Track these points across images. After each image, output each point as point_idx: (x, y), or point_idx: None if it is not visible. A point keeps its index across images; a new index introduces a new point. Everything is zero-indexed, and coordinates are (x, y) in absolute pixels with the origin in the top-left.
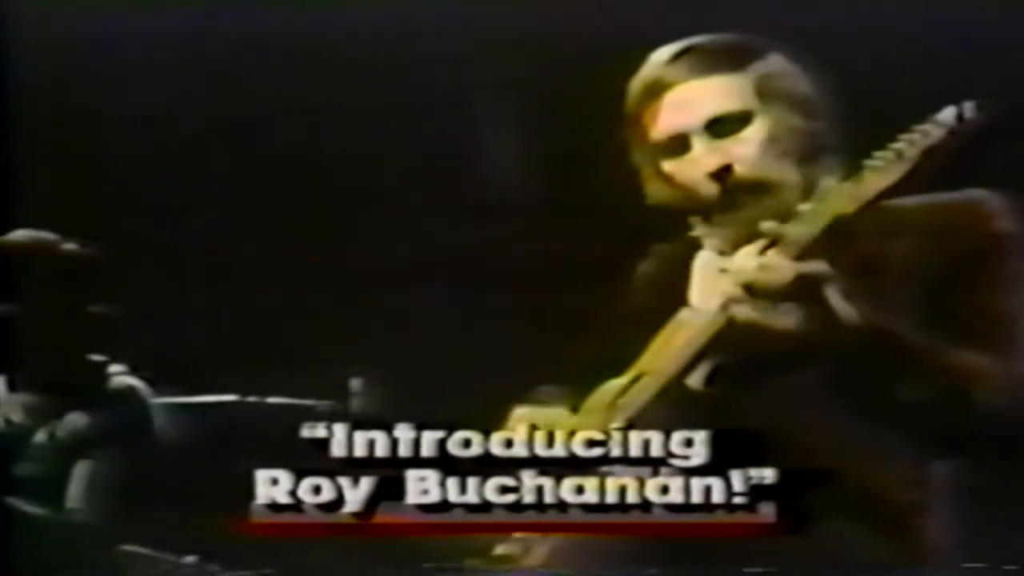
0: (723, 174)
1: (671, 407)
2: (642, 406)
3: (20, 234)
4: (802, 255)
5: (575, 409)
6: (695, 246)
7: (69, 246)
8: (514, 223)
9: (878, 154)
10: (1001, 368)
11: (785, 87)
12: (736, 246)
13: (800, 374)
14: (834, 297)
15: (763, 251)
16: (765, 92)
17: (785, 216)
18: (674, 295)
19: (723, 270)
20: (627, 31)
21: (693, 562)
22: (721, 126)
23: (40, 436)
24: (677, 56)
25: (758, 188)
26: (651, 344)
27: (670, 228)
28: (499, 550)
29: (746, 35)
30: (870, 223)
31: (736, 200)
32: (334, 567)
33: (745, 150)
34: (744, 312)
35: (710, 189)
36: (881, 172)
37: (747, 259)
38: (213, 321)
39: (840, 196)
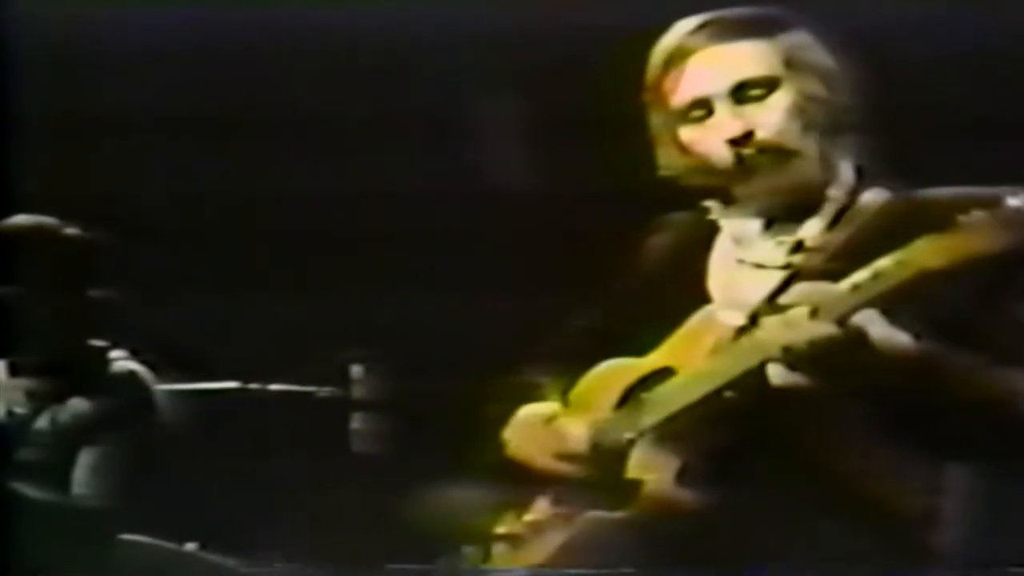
0: (743, 140)
1: (707, 415)
2: (676, 410)
3: (22, 218)
4: (872, 303)
5: (566, 393)
6: (712, 228)
7: (71, 231)
8: (515, 201)
9: (975, 212)
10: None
11: (812, 58)
12: (754, 219)
13: (847, 401)
14: (880, 329)
15: (812, 316)
16: (793, 61)
17: (800, 192)
18: (687, 276)
19: (740, 261)
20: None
21: (695, 561)
22: (746, 91)
23: (42, 421)
24: (701, 26)
25: (777, 157)
26: (673, 336)
27: (677, 204)
28: (500, 529)
29: (771, 8)
30: (888, 217)
31: (754, 168)
32: (336, 554)
33: (769, 117)
34: (780, 376)
35: (727, 157)
36: (977, 233)
37: (790, 323)
38: (215, 308)
39: (929, 248)
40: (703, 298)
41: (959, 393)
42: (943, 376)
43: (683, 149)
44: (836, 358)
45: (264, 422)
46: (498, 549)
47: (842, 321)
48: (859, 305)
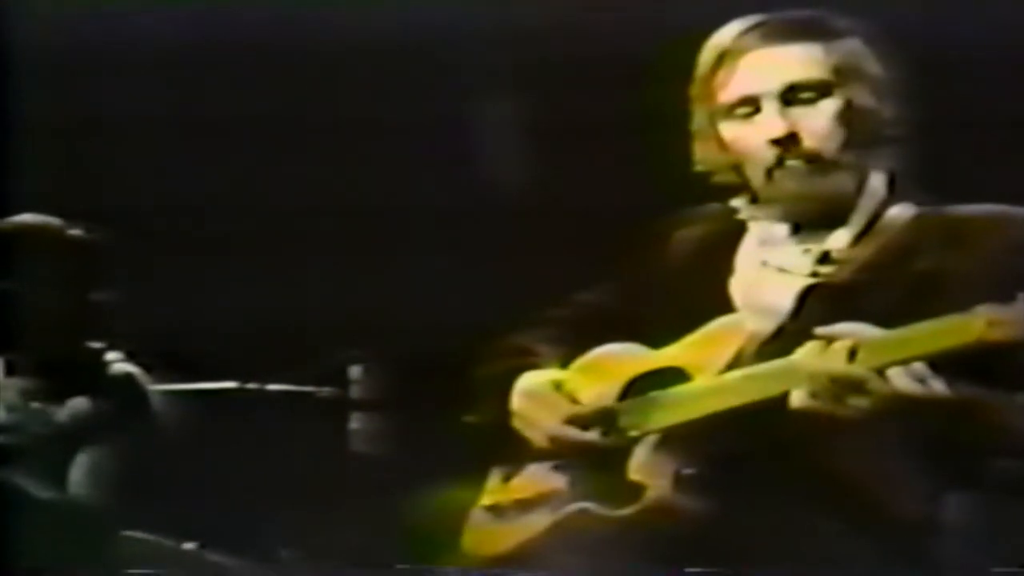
0: (786, 141)
1: (714, 424)
2: (692, 419)
3: (25, 218)
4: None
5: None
6: (740, 226)
7: (73, 231)
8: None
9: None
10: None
11: (863, 66)
12: (782, 223)
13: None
14: (912, 383)
15: (850, 357)
16: (843, 68)
17: (831, 201)
18: (709, 272)
19: (764, 263)
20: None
21: (696, 562)
22: (796, 93)
23: (39, 420)
24: (755, 26)
25: (816, 163)
26: (692, 336)
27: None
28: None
29: (823, 12)
30: (918, 231)
31: (791, 171)
32: (335, 551)
33: (815, 122)
34: (800, 401)
35: (767, 156)
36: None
37: (828, 357)
38: (214, 308)
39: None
40: (723, 295)
41: (993, 434)
42: (975, 419)
43: (723, 145)
44: (862, 400)
45: (263, 422)
46: (479, 519)
47: (880, 371)
48: (901, 361)
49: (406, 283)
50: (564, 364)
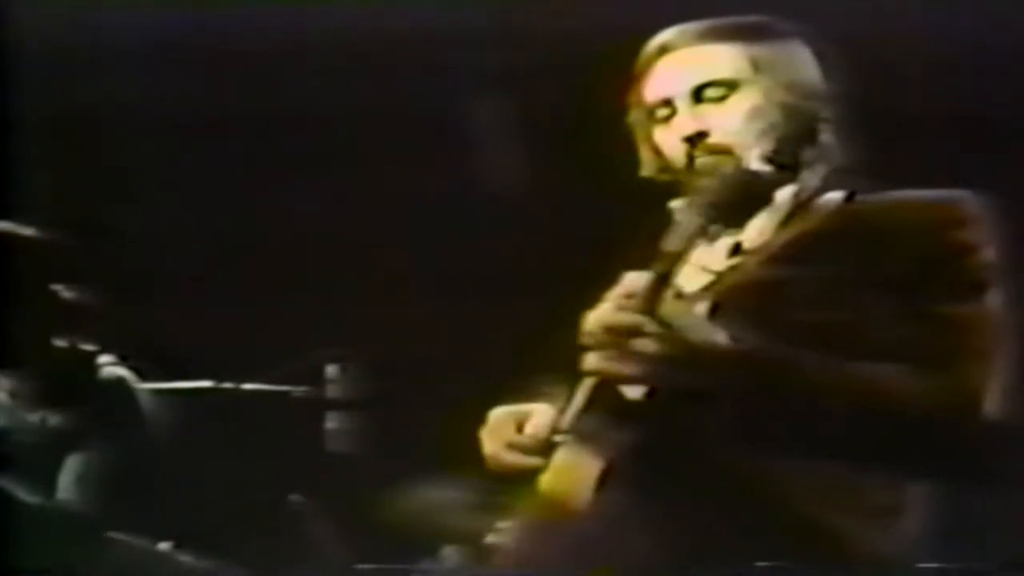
0: (695, 139)
1: (618, 418)
2: (577, 412)
3: (1, 225)
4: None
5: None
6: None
7: (49, 235)
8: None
9: None
10: (943, 379)
11: (786, 66)
12: (709, 222)
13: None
14: (693, 325)
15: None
16: (762, 67)
17: (747, 196)
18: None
19: (705, 268)
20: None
21: (694, 558)
22: (706, 92)
23: (30, 424)
24: (680, 31)
25: (726, 158)
26: None
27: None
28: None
29: (773, 18)
30: (835, 219)
31: (700, 166)
32: (317, 558)
33: (724, 119)
34: (597, 365)
35: (682, 156)
36: None
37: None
38: (189, 307)
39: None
40: None
41: (813, 392)
42: (783, 376)
43: (656, 150)
44: (645, 344)
45: (237, 421)
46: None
47: (648, 310)
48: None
49: (384, 282)
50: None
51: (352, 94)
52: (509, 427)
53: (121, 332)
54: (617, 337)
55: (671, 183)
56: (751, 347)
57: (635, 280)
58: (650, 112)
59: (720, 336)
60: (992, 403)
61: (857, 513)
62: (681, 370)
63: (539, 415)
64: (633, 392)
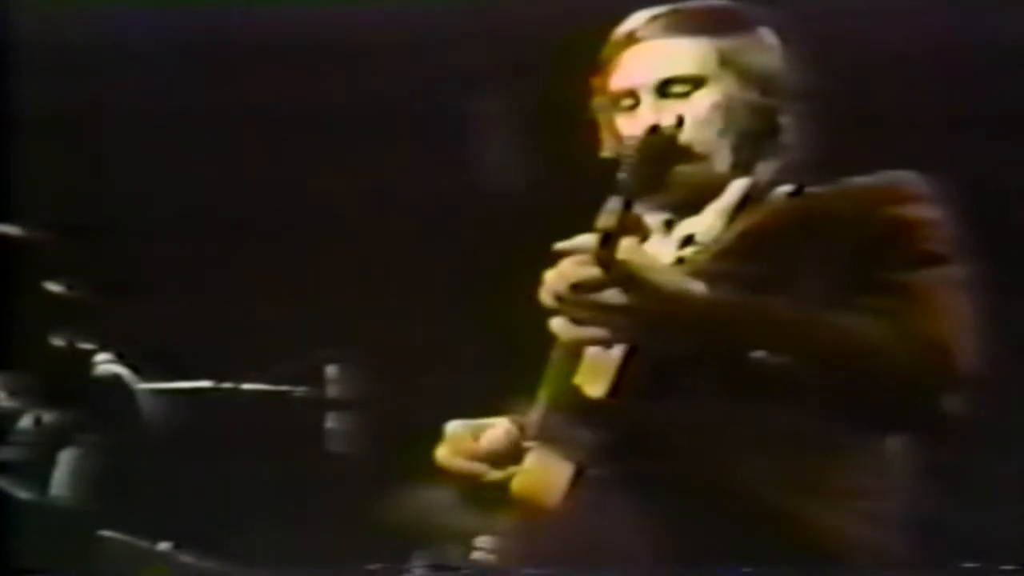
0: (652, 132)
1: (570, 415)
2: (543, 413)
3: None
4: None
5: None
6: None
7: (48, 234)
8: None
9: None
10: (896, 338)
11: (752, 60)
12: (665, 214)
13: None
14: (662, 275)
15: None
16: (728, 61)
17: (704, 190)
18: None
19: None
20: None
21: (688, 559)
22: (670, 87)
23: (25, 421)
24: (653, 18)
25: (683, 155)
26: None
27: None
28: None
29: (737, 5)
30: (785, 211)
31: (659, 162)
32: (310, 554)
33: (687, 114)
34: (565, 330)
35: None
36: None
37: (560, 272)
38: (189, 307)
39: None
40: None
41: (789, 340)
42: (756, 325)
43: (617, 136)
44: (609, 301)
45: (237, 422)
46: None
47: (605, 264)
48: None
49: (383, 281)
50: None
51: (354, 92)
52: (466, 439)
53: (120, 331)
54: (585, 293)
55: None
56: (727, 294)
57: (588, 239)
58: (614, 100)
59: (692, 285)
60: (954, 360)
61: (825, 499)
62: (654, 321)
63: (496, 427)
64: (596, 391)
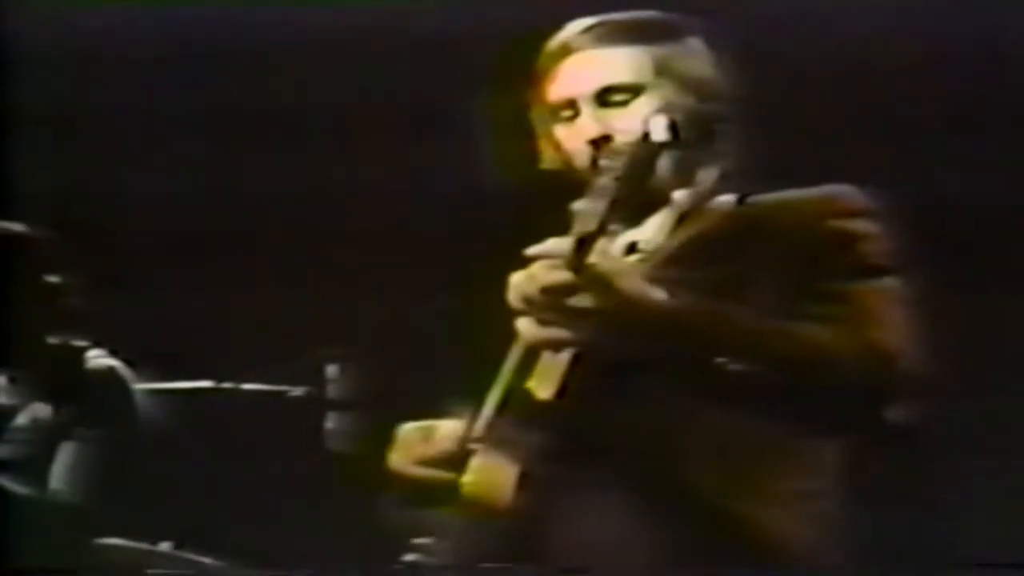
0: (599, 143)
1: (517, 417)
2: (490, 416)
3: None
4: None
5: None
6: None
7: (44, 233)
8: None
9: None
10: (844, 344)
11: (687, 67)
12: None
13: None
14: (630, 281)
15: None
16: (664, 69)
17: (649, 198)
18: None
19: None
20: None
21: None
22: (609, 96)
23: (21, 418)
24: (588, 28)
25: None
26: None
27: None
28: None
29: (668, 15)
30: (728, 220)
31: (607, 172)
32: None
33: (627, 123)
34: (531, 333)
35: (586, 158)
36: None
37: (529, 275)
38: (190, 306)
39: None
40: None
41: (743, 348)
42: (716, 331)
43: (557, 145)
44: (579, 305)
45: (237, 421)
46: None
47: (576, 268)
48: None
49: (383, 281)
50: None
51: (350, 91)
52: (418, 443)
53: (118, 329)
54: (553, 297)
55: (571, 178)
56: (689, 301)
57: (560, 243)
58: (553, 111)
59: (656, 292)
60: (896, 367)
61: (768, 501)
62: (622, 326)
63: (446, 429)
64: (544, 392)
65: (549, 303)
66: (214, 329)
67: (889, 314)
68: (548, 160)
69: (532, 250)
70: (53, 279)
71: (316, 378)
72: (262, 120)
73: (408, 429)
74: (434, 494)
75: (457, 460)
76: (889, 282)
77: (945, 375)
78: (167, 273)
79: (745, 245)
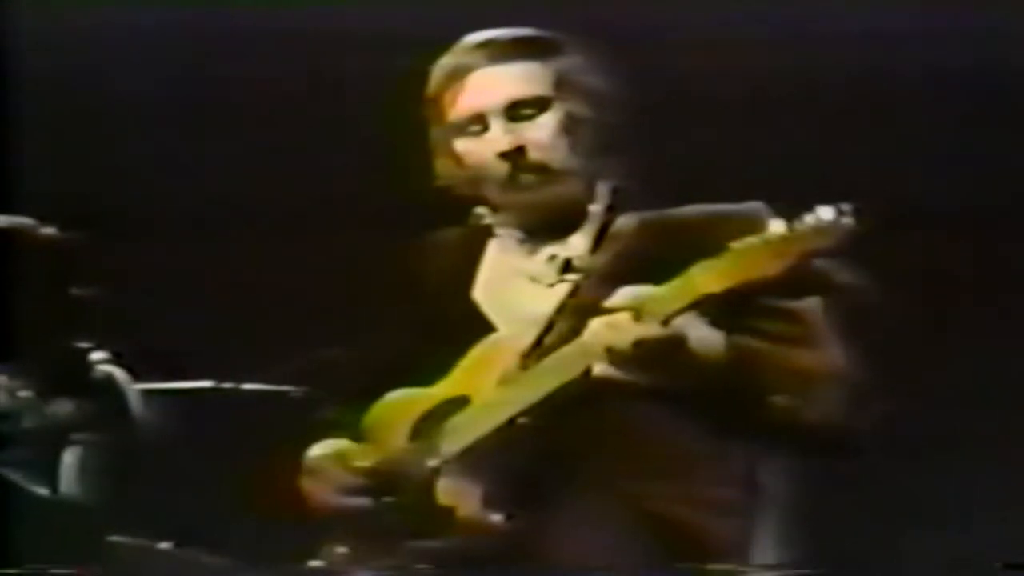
0: (514, 155)
1: (504, 441)
2: (477, 439)
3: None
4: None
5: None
6: (482, 239)
7: (48, 231)
8: None
9: (749, 239)
10: (781, 357)
11: (581, 80)
12: (527, 235)
13: (650, 404)
14: (696, 330)
15: (637, 319)
16: (563, 82)
17: (562, 208)
18: (462, 293)
19: (514, 271)
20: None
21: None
22: (518, 110)
23: (24, 420)
24: (482, 44)
25: (544, 173)
26: (460, 365)
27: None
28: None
29: (547, 31)
30: (650, 236)
31: (522, 182)
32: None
33: (538, 135)
34: (606, 371)
35: (499, 169)
36: (750, 258)
37: (614, 325)
38: (191, 306)
39: (707, 275)
40: (479, 313)
41: (774, 382)
42: (756, 369)
43: (458, 160)
44: (658, 357)
45: (238, 421)
46: None
47: (666, 322)
48: (683, 309)
49: (385, 280)
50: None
51: (353, 91)
52: (334, 470)
53: (119, 330)
54: (642, 350)
55: (463, 192)
56: (742, 344)
57: (634, 293)
58: (458, 126)
59: (716, 336)
60: (833, 380)
61: (701, 509)
62: (685, 374)
63: (360, 454)
64: (504, 413)
65: (637, 354)
66: (214, 330)
67: (824, 330)
68: (444, 175)
69: (610, 302)
70: (57, 279)
71: (316, 378)
72: (269, 121)
73: (317, 456)
74: (381, 518)
75: (381, 485)
76: (819, 301)
77: (884, 386)
78: (169, 273)
79: (678, 259)
